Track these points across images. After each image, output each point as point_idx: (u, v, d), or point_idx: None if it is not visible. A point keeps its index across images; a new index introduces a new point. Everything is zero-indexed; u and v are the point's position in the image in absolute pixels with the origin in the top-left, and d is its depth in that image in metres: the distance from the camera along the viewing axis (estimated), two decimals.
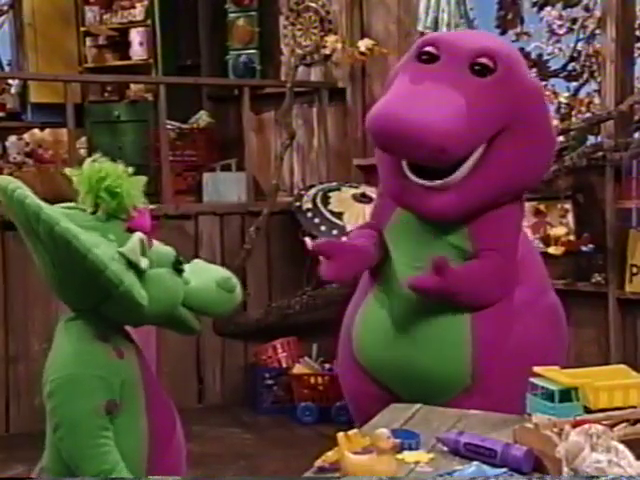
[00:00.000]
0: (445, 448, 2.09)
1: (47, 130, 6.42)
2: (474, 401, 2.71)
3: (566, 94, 6.32)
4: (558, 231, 4.67)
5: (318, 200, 5.29)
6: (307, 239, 5.23)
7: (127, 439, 2.15)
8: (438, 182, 2.73)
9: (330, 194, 5.37)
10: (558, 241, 4.62)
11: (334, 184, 5.58)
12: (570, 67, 6.78)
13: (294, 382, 5.18)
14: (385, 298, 2.93)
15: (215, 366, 5.49)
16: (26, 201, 2.06)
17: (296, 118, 6.02)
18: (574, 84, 6.63)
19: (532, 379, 2.16)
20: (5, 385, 4.98)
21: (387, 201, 2.95)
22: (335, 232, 5.09)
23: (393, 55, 5.31)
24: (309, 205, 5.26)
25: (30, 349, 4.93)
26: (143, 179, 2.20)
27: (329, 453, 1.94)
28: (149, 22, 6.57)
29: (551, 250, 4.53)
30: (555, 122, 5.31)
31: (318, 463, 1.96)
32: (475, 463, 1.92)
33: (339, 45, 5.75)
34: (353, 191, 5.39)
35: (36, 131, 6.47)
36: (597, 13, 5.94)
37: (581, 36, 6.79)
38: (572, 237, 4.68)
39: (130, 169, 2.18)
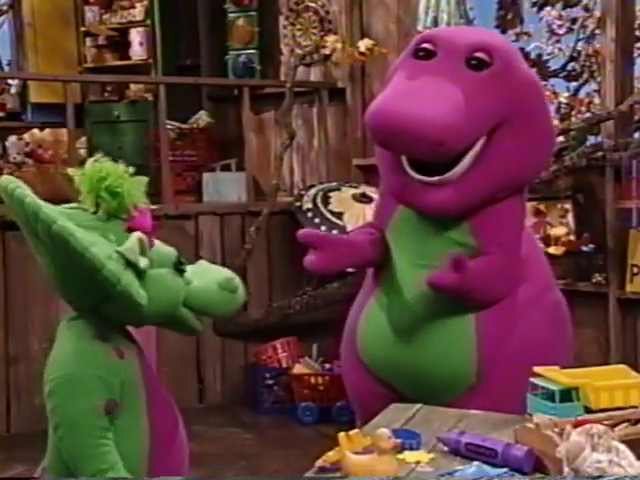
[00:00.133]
0: (446, 448, 2.09)
1: (47, 130, 6.42)
2: (479, 399, 2.71)
3: (566, 94, 6.33)
4: (558, 231, 4.67)
5: (318, 200, 5.29)
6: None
7: (127, 439, 2.15)
8: (437, 178, 2.74)
9: (330, 194, 5.37)
10: (558, 241, 4.63)
11: (334, 184, 5.58)
12: (570, 67, 6.79)
13: (294, 382, 5.17)
14: (389, 297, 2.93)
15: (215, 366, 5.49)
16: (25, 200, 2.07)
17: (296, 118, 6.02)
18: (574, 84, 6.63)
19: (532, 379, 2.16)
20: (5, 385, 4.98)
21: (389, 200, 2.96)
22: (335, 232, 5.08)
23: (393, 55, 5.31)
24: (309, 205, 5.26)
25: (30, 349, 4.93)
26: (144, 179, 2.20)
27: (330, 453, 1.93)
28: (149, 22, 6.57)
29: (551, 250, 4.53)
30: (555, 122, 5.32)
31: (319, 463, 1.95)
32: (476, 463, 1.92)
33: (339, 45, 5.75)
34: (353, 191, 5.39)
35: (36, 131, 6.47)
36: (597, 13, 5.94)
37: (581, 36, 6.80)
38: (572, 237, 4.68)
39: (131, 169, 2.18)
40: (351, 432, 1.92)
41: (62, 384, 2.13)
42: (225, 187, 5.84)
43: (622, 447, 1.74)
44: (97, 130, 6.26)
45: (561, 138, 4.83)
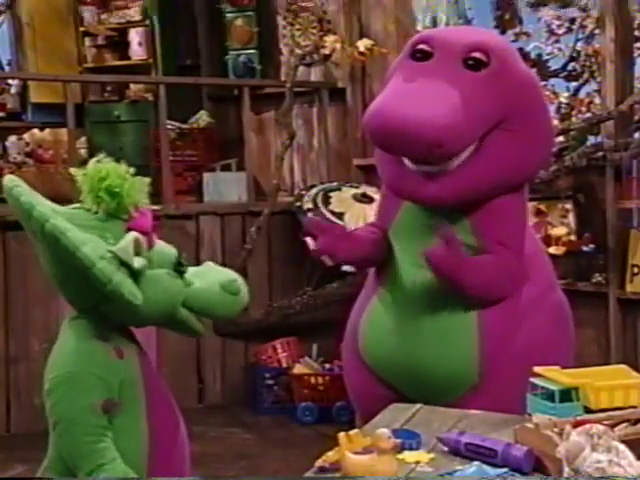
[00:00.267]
0: (446, 448, 2.09)
1: (47, 130, 6.42)
2: (481, 400, 2.71)
3: (566, 94, 6.33)
4: (559, 231, 4.67)
5: (319, 200, 5.30)
6: (308, 239, 5.24)
7: (126, 439, 2.15)
8: (434, 167, 2.73)
9: (331, 194, 5.37)
10: (559, 241, 4.63)
11: (335, 184, 5.58)
12: (570, 67, 6.78)
13: (294, 382, 5.18)
14: (391, 297, 2.93)
15: (215, 366, 5.49)
16: (20, 199, 2.09)
17: (296, 118, 6.02)
18: (574, 84, 6.63)
19: (532, 379, 2.16)
20: (6, 385, 4.98)
21: (391, 201, 2.96)
22: None
23: (393, 55, 5.31)
24: (310, 205, 5.26)
25: (30, 349, 4.93)
26: (145, 180, 2.20)
27: (330, 453, 1.93)
28: (148, 22, 6.57)
29: (552, 250, 4.52)
30: (555, 122, 5.32)
31: (319, 463, 1.95)
32: (476, 463, 1.92)
33: (338, 45, 5.75)
34: (354, 191, 5.40)
35: (36, 131, 6.47)
36: (593, 13, 5.94)
37: (580, 36, 6.80)
38: (573, 237, 4.69)
39: (132, 169, 2.18)
40: (351, 432, 1.92)
41: (61, 382, 2.13)
42: (225, 187, 5.84)
43: (622, 447, 1.74)
44: (97, 130, 6.26)
45: (561, 138, 4.84)
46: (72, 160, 5.23)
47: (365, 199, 5.24)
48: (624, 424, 2.00)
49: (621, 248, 4.54)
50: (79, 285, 2.13)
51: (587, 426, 1.77)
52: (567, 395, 2.07)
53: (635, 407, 2.08)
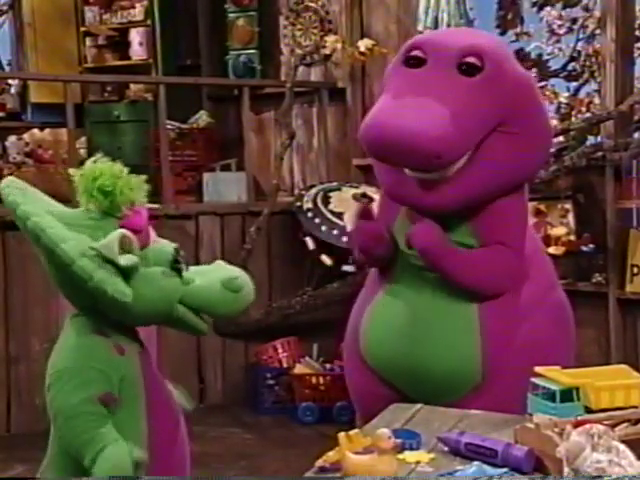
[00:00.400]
0: (446, 448, 2.09)
1: (47, 130, 6.42)
2: (483, 399, 2.71)
3: (566, 94, 6.33)
4: (558, 231, 4.67)
5: (319, 200, 5.30)
6: (308, 239, 5.25)
7: (126, 438, 2.14)
8: (434, 175, 2.73)
9: (330, 194, 5.37)
10: (558, 241, 4.63)
11: (334, 184, 5.58)
12: (570, 67, 6.78)
13: (295, 382, 5.18)
14: (392, 297, 2.93)
15: (216, 366, 5.49)
16: (7, 199, 2.11)
17: (296, 118, 6.02)
18: (574, 84, 6.63)
19: (533, 379, 2.16)
20: (6, 385, 4.98)
21: (390, 202, 2.96)
22: (336, 232, 5.09)
23: (393, 55, 5.30)
24: (310, 205, 5.26)
25: (30, 349, 4.93)
26: (141, 178, 2.19)
27: (330, 453, 1.93)
28: (149, 22, 6.57)
29: (551, 250, 4.52)
30: (555, 122, 5.33)
31: (319, 463, 1.96)
32: (476, 463, 1.92)
33: (339, 45, 5.75)
34: (353, 191, 5.38)
35: (36, 131, 6.47)
36: (597, 13, 5.94)
37: (581, 36, 6.80)
38: (572, 237, 4.69)
39: (127, 168, 2.18)
40: (351, 432, 1.92)
41: (61, 376, 2.14)
42: (225, 187, 5.84)
43: (622, 447, 1.74)
44: (97, 130, 6.26)
45: (561, 138, 4.84)
46: (72, 160, 5.22)
47: (365, 199, 5.23)
48: (625, 424, 2.01)
49: (621, 248, 4.54)
50: (73, 283, 2.13)
51: (587, 426, 1.77)
52: (568, 395, 2.07)
53: (636, 407, 2.08)
